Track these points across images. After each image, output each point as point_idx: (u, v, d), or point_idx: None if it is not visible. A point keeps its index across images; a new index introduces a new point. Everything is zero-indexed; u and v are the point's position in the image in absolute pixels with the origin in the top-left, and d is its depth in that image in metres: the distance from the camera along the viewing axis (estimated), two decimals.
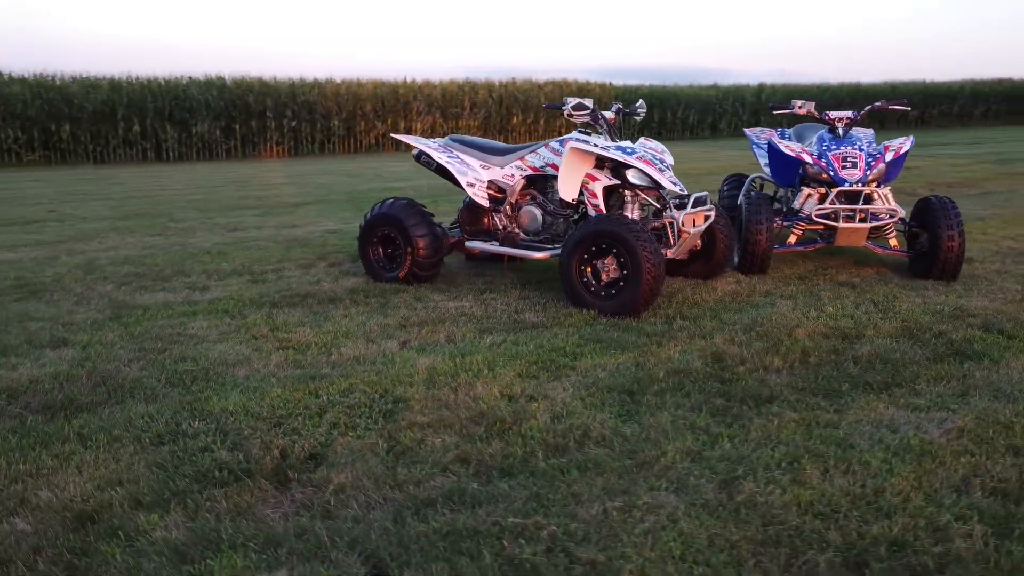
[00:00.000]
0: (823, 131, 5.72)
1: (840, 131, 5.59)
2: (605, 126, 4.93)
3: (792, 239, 5.54)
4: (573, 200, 4.84)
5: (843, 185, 5.24)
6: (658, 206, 4.85)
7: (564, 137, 4.98)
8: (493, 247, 5.10)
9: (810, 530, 2.18)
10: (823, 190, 5.38)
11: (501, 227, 5.21)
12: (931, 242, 5.13)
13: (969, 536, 2.15)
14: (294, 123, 22.82)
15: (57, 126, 19.68)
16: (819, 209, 5.24)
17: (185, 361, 3.63)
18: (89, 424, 2.93)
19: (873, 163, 5.32)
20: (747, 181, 6.54)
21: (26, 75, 19.86)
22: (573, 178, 4.77)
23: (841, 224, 5.19)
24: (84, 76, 20.59)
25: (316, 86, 23.35)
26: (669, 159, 4.97)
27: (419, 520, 2.25)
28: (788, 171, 5.64)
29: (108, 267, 5.84)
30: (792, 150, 5.50)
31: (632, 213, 4.83)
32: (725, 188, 6.86)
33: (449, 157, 5.19)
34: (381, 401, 3.13)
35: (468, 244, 5.18)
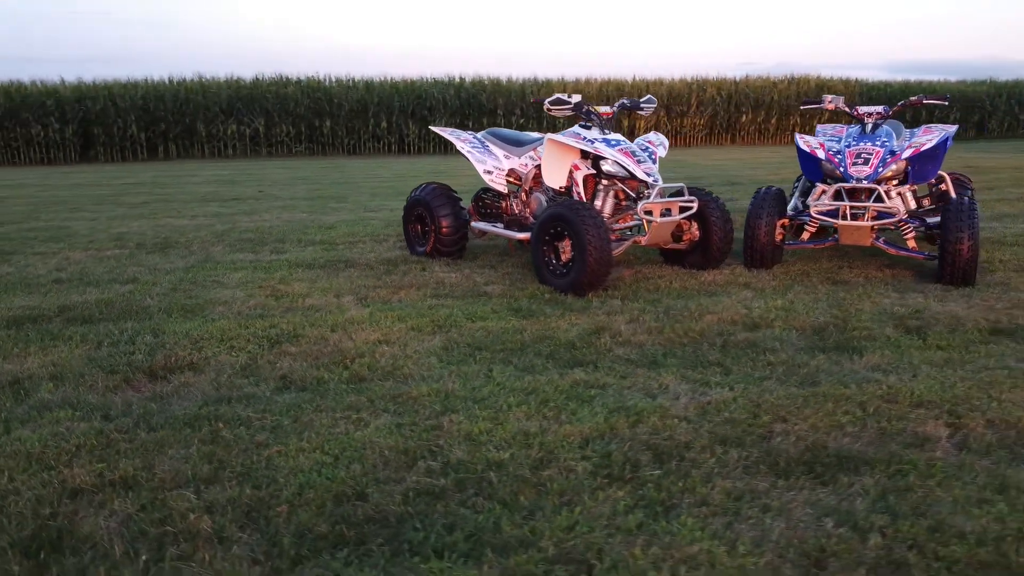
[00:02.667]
0: (857, 127, 5.60)
1: (868, 126, 5.45)
2: (597, 120, 5.33)
3: (805, 235, 5.52)
4: (561, 188, 5.31)
5: (850, 182, 5.15)
6: (634, 195, 5.18)
7: (569, 130, 5.45)
8: (491, 228, 5.71)
9: (444, 448, 2.66)
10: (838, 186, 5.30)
11: (517, 211, 5.79)
12: (941, 244, 4.90)
13: (567, 471, 2.51)
14: (522, 120, 24.29)
15: (320, 122, 22.80)
16: (817, 206, 5.20)
17: (190, 299, 4.73)
18: (82, 331, 4.08)
19: (889, 160, 5.16)
20: (802, 179, 6.44)
21: (300, 78, 23.20)
22: (557, 167, 5.24)
23: (840, 222, 5.12)
24: (345, 78, 23.59)
25: (546, 85, 24.61)
26: (661, 152, 5.27)
27: (197, 407, 3.05)
28: (813, 167, 5.58)
29: (235, 234, 7.25)
30: (809, 146, 5.48)
31: (605, 201, 5.21)
32: (796, 185, 6.79)
33: (472, 147, 5.87)
34: (283, 335, 3.96)
35: (473, 225, 5.84)
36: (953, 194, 6.05)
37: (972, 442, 2.68)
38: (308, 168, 16.64)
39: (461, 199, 5.98)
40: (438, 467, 2.53)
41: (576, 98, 5.32)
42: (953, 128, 6.03)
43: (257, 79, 23.13)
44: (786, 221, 5.52)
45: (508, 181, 5.78)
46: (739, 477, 2.45)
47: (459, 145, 5.93)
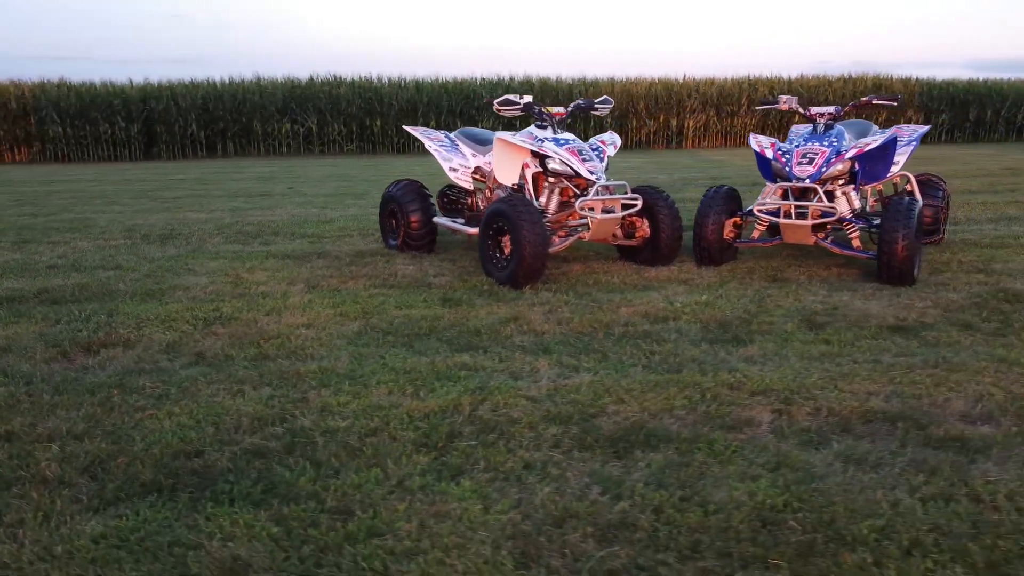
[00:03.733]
0: (809, 127, 5.66)
1: (820, 127, 5.51)
2: (549, 120, 5.55)
3: (755, 234, 5.62)
4: (513, 185, 5.55)
5: (792, 181, 5.24)
6: (581, 193, 5.37)
7: (524, 130, 5.69)
8: (450, 223, 5.97)
9: (296, 416, 2.95)
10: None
11: (483, 207, 6.04)
12: (878, 244, 4.96)
13: (391, 439, 2.77)
14: (569, 120, 24.40)
15: (371, 121, 23.43)
16: (759, 205, 5.30)
17: (157, 284, 5.15)
18: (47, 311, 4.52)
19: (834, 159, 5.23)
20: None
21: (352, 78, 23.89)
22: (509, 165, 5.48)
23: (782, 220, 5.21)
24: (397, 78, 24.18)
25: (594, 85, 24.71)
26: (611, 151, 5.47)
27: (108, 377, 3.41)
28: (767, 167, 5.67)
29: (238, 227, 7.70)
30: (760, 146, 5.57)
31: (550, 198, 5.42)
32: None
33: (439, 146, 6.16)
34: (220, 318, 4.32)
35: (435, 219, 6.11)
36: (918, 195, 6.05)
37: (787, 427, 2.83)
38: (351, 166, 17.19)
39: (431, 196, 6.27)
40: (280, 432, 2.82)
41: (527, 99, 5.56)
42: (916, 129, 6.06)
43: (311, 79, 23.91)
44: (739, 219, 5.62)
45: (474, 178, 6.04)
46: (542, 450, 2.66)
47: (427, 144, 6.23)
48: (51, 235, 7.28)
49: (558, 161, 5.32)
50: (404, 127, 7.17)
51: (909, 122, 25.07)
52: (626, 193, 5.30)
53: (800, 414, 2.93)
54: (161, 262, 5.91)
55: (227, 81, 23.48)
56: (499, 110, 5.53)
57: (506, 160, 5.47)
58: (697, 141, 25.05)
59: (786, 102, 5.80)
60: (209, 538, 2.14)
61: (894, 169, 5.97)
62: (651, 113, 24.65)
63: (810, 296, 4.71)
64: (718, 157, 18.72)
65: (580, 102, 5.82)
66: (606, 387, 3.21)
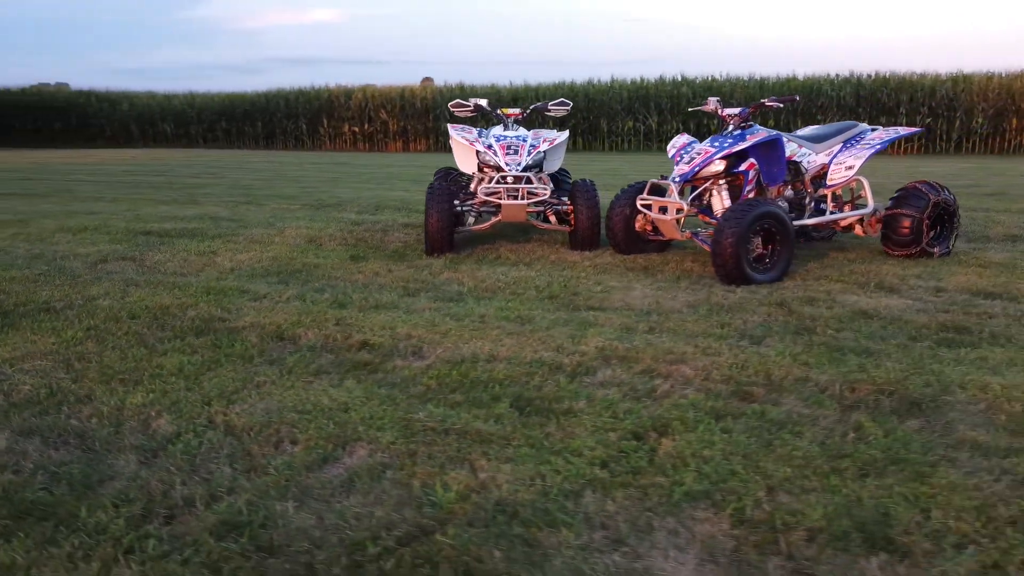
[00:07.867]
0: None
1: (730, 127, 5.66)
2: (503, 119, 6.62)
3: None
4: (472, 173, 6.74)
5: (673, 178, 5.58)
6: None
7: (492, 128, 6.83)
8: None
9: (105, 300, 4.86)
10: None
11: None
12: (712, 242, 5.16)
13: (125, 313, 4.54)
14: (928, 120, 22.46)
15: (708, 119, 24.09)
16: (641, 199, 5.70)
17: (234, 231, 7.43)
18: (152, 239, 7.06)
19: (711, 159, 5.44)
20: None
21: (696, 78, 24.81)
22: (464, 157, 6.68)
23: (654, 215, 5.60)
24: (746, 77, 24.56)
25: (964, 81, 22.30)
26: (544, 146, 6.39)
27: (92, 274, 5.70)
28: None
29: (381, 202, 9.81)
30: (674, 146, 5.90)
31: (479, 185, 6.49)
32: None
33: (460, 138, 7.49)
34: (208, 252, 6.40)
35: None
36: (870, 200, 5.80)
37: (317, 346, 3.89)
38: (640, 161, 18.44)
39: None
40: (79, 301, 4.76)
41: (480, 101, 6.69)
42: (898, 131, 5.85)
43: (661, 79, 25.44)
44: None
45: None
46: (175, 332, 4.17)
47: (455, 136, 7.59)
48: (268, 200, 10.20)
49: (487, 154, 6.38)
50: (449, 125, 8.56)
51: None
52: (542, 184, 6.17)
53: (336, 338, 3.97)
54: (271, 219, 8.25)
55: (584, 82, 26.12)
56: (453, 110, 6.75)
57: (461, 153, 6.69)
58: None
59: (710, 104, 5.96)
60: None
61: (849, 174, 5.78)
62: None
63: (614, 282, 5.20)
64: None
65: (537, 104, 6.74)
66: (298, 310, 4.52)
